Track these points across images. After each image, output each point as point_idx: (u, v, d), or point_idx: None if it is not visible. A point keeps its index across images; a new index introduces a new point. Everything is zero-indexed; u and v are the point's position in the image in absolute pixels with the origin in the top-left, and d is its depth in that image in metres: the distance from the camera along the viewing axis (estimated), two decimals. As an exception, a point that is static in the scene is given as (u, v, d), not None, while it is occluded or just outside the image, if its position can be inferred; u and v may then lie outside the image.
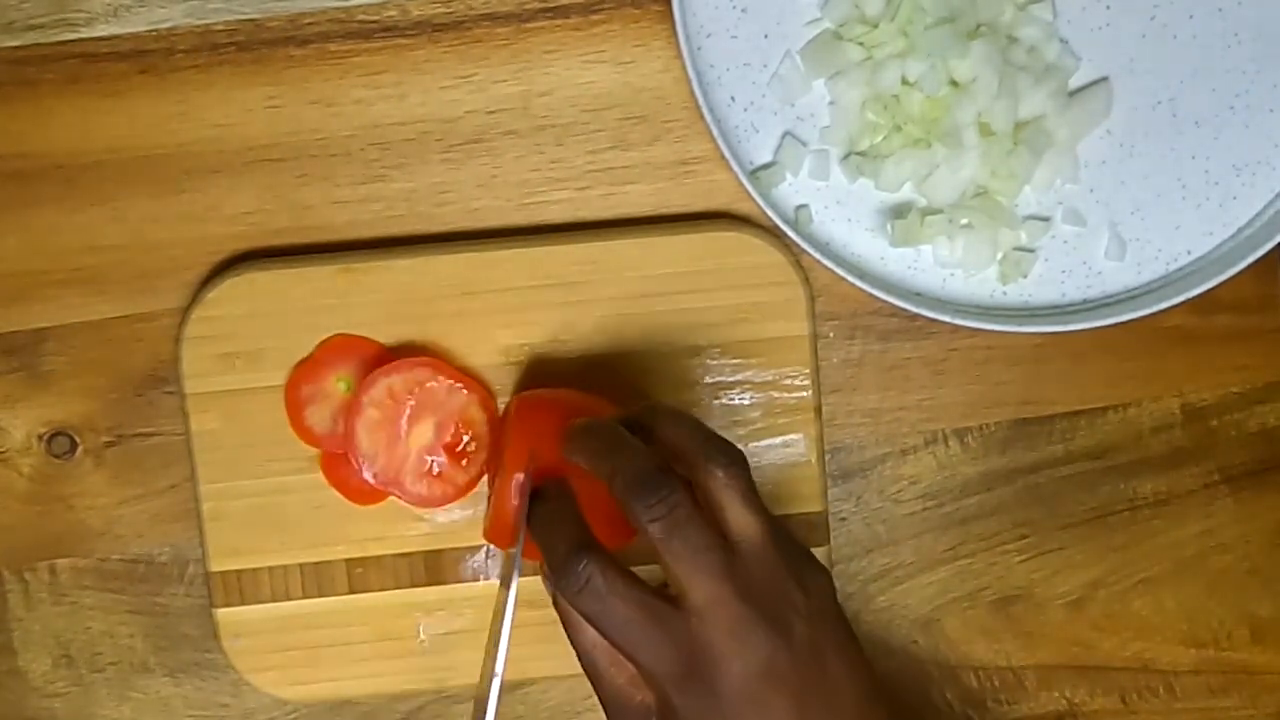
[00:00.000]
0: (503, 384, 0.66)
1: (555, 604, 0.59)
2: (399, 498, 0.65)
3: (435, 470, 0.64)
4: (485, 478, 0.65)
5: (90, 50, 0.65)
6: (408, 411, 0.64)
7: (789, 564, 0.55)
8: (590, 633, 0.57)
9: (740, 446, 0.55)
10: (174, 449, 0.67)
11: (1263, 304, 0.69)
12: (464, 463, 0.64)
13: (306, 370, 0.65)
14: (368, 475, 0.64)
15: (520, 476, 0.58)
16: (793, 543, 0.56)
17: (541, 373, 0.66)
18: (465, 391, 0.64)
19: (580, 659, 0.58)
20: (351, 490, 0.65)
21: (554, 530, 0.56)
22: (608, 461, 0.55)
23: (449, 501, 0.65)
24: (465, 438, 0.64)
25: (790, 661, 0.53)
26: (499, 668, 0.57)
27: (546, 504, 0.57)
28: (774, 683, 0.53)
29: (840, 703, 0.54)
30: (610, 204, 0.67)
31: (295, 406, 0.65)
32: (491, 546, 0.66)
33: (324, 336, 0.65)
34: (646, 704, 0.56)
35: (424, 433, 0.64)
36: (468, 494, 0.65)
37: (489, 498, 0.64)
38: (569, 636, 0.58)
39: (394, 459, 0.64)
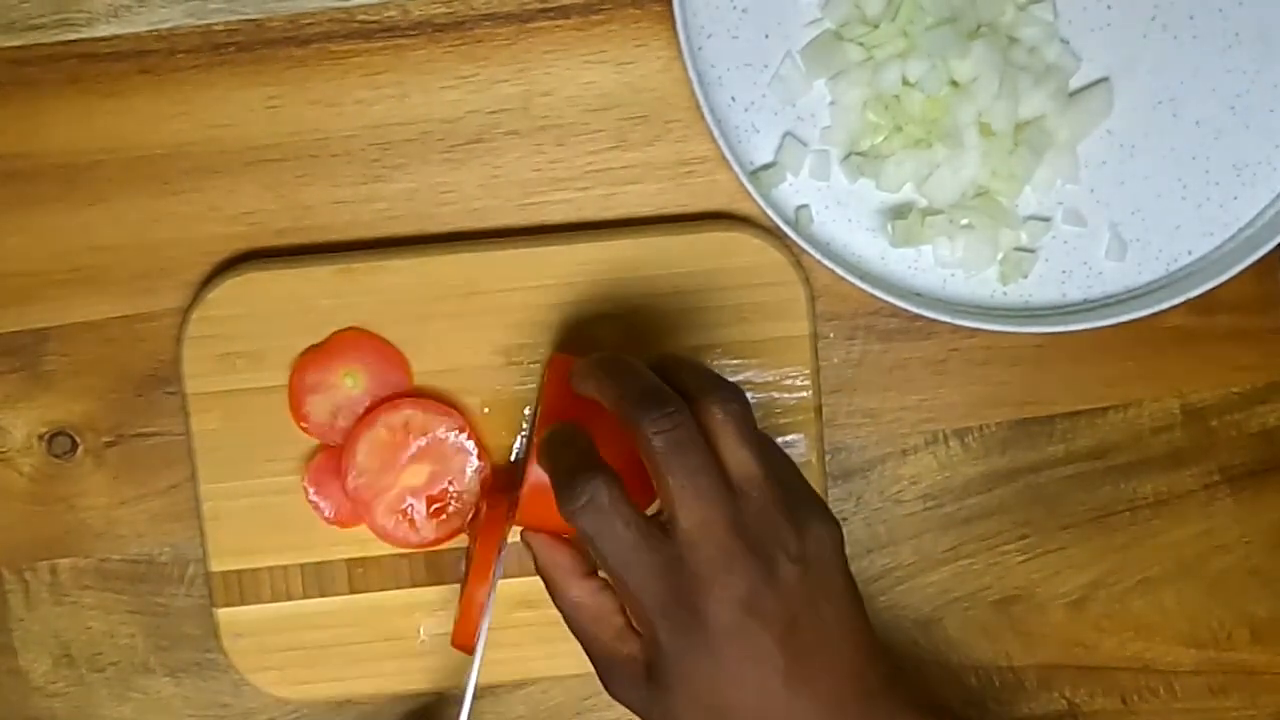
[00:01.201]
0: (503, 384, 0.66)
1: (537, 566, 0.59)
2: (365, 520, 0.65)
3: (409, 512, 0.65)
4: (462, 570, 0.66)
5: (90, 50, 0.65)
6: (414, 448, 0.64)
7: (789, 507, 0.54)
8: (575, 589, 0.57)
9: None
10: (174, 449, 0.67)
11: (1263, 304, 0.69)
12: (438, 518, 0.65)
13: (316, 358, 0.65)
14: (349, 485, 0.64)
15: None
16: (800, 489, 0.56)
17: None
18: (474, 457, 0.65)
19: (566, 617, 0.58)
20: (326, 498, 0.66)
21: (561, 450, 0.56)
22: (616, 384, 0.55)
23: (406, 547, 0.65)
24: (451, 497, 0.65)
25: (775, 599, 0.53)
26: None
27: (557, 429, 0.57)
28: (757, 617, 0.53)
29: (830, 650, 0.54)
30: (610, 204, 0.67)
31: (298, 391, 0.65)
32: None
33: (329, 332, 0.65)
34: (633, 655, 0.55)
35: (418, 474, 0.64)
36: (424, 548, 0.65)
37: (459, 600, 0.64)
38: (553, 597, 0.58)
39: (378, 484, 0.64)
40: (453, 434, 0.64)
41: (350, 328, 0.65)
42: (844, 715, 0.54)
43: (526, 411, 0.66)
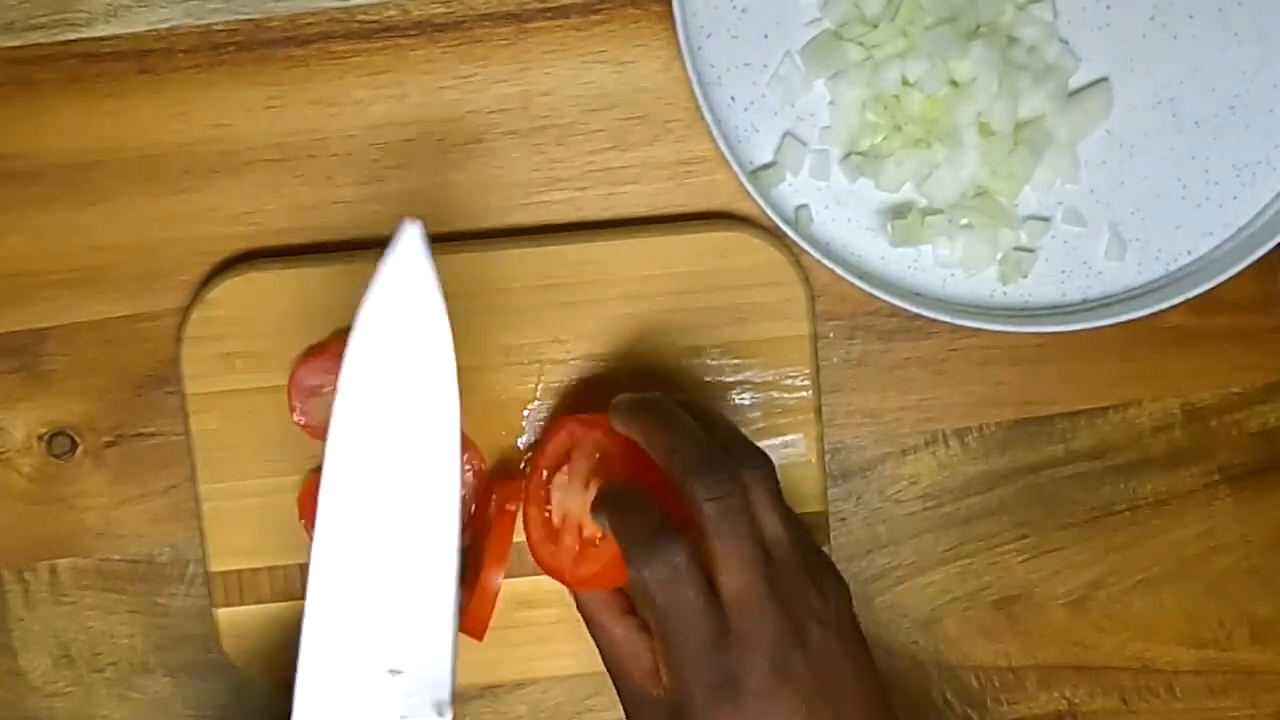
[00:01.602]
0: (502, 385, 0.66)
1: (578, 602, 0.60)
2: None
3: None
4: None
5: (90, 50, 0.65)
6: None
7: (811, 571, 0.56)
8: (616, 629, 0.58)
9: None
10: (174, 449, 0.67)
11: (1263, 304, 0.69)
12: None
13: (320, 360, 0.65)
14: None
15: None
16: (817, 552, 0.58)
17: (561, 387, 0.66)
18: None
19: (601, 650, 0.59)
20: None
21: (633, 510, 0.57)
22: (668, 436, 0.57)
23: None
24: None
25: (804, 663, 0.55)
26: None
27: (614, 488, 0.59)
28: (788, 679, 0.54)
29: (848, 710, 0.55)
30: (610, 204, 0.67)
31: (297, 391, 0.64)
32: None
33: (329, 332, 0.65)
34: (660, 697, 0.57)
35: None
36: None
37: (466, 589, 0.64)
38: (591, 628, 0.59)
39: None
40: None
41: (346, 328, 0.64)
42: None
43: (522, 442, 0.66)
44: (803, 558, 0.56)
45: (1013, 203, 0.66)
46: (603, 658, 0.59)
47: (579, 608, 0.60)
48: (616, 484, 0.59)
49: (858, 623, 0.58)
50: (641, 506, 0.57)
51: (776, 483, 0.57)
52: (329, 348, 0.65)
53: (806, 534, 0.58)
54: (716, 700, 0.54)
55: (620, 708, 0.59)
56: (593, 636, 0.60)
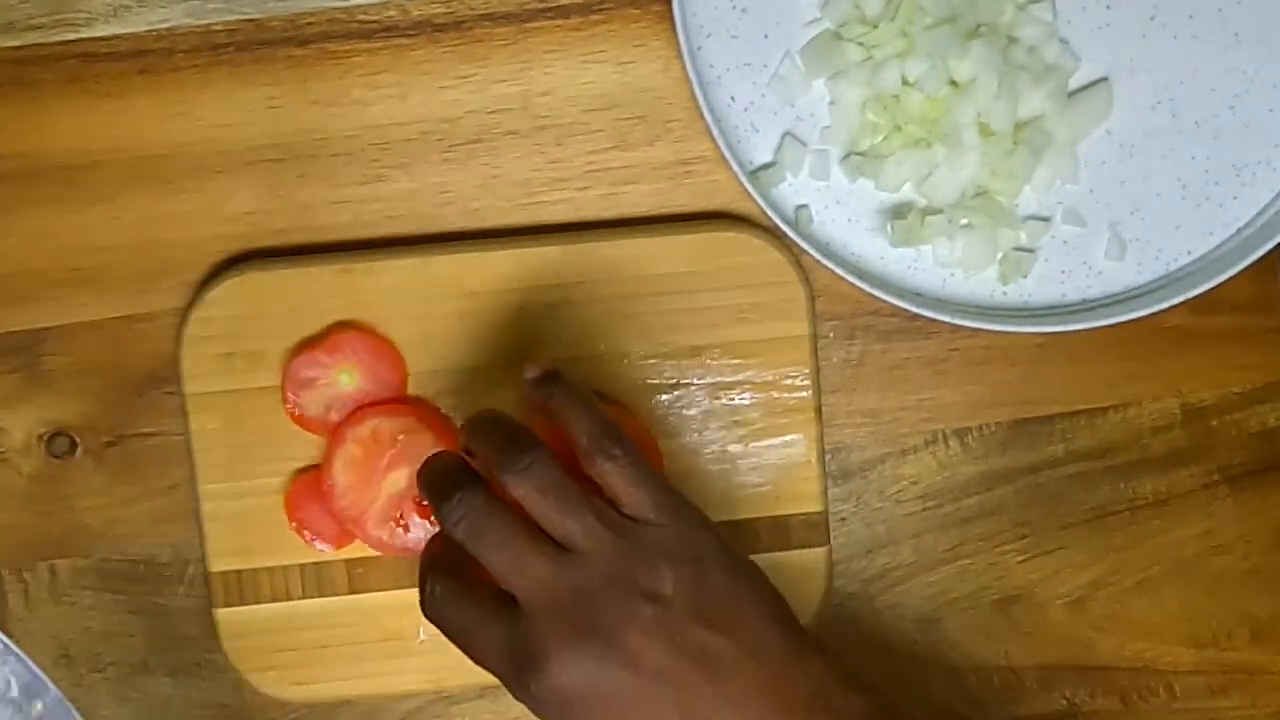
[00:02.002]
0: (502, 384, 0.66)
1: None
2: (359, 537, 0.65)
3: (400, 519, 0.64)
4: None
5: (90, 50, 0.65)
6: (387, 456, 0.64)
7: (634, 526, 0.54)
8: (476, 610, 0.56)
9: (740, 446, 0.55)
10: (174, 449, 0.67)
11: (1263, 304, 0.69)
12: (429, 516, 0.64)
13: (313, 353, 0.65)
14: (336, 507, 0.64)
15: None
16: (651, 490, 0.55)
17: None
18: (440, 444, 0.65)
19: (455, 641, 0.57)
20: (314, 529, 0.65)
21: (497, 424, 0.56)
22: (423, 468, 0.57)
23: (406, 554, 0.65)
24: None
25: (630, 682, 0.53)
26: None
27: (475, 419, 0.58)
28: (598, 693, 0.53)
29: (735, 680, 0.53)
30: (610, 204, 0.67)
31: (291, 384, 0.65)
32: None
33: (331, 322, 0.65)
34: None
35: (398, 479, 0.64)
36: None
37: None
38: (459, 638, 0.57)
39: (363, 498, 0.64)
40: (419, 433, 0.64)
41: (344, 322, 0.65)
42: None
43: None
44: (620, 531, 0.54)
45: (1013, 203, 0.66)
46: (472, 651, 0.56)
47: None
48: (479, 414, 0.58)
49: (728, 562, 0.55)
50: (500, 421, 0.56)
51: (557, 476, 0.54)
52: (324, 340, 0.65)
53: (644, 481, 0.55)
54: (530, 703, 0.53)
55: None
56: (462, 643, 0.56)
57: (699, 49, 0.65)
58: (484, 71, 0.66)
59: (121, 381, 0.67)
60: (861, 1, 0.64)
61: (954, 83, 0.64)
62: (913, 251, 0.66)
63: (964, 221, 0.66)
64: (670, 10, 0.63)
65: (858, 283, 0.64)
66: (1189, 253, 0.67)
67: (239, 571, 0.66)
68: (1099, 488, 0.70)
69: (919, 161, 0.65)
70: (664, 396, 0.66)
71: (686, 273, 0.65)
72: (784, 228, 0.64)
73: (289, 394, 0.65)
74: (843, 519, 0.69)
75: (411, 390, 0.65)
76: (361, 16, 0.65)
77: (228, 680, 0.68)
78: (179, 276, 0.66)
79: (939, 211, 0.66)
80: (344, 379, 0.65)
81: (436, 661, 0.67)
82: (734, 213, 0.67)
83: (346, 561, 0.66)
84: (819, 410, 0.67)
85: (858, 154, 0.66)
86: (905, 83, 0.64)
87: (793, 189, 0.66)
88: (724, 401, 0.66)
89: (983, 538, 0.70)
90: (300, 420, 0.65)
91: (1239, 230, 0.67)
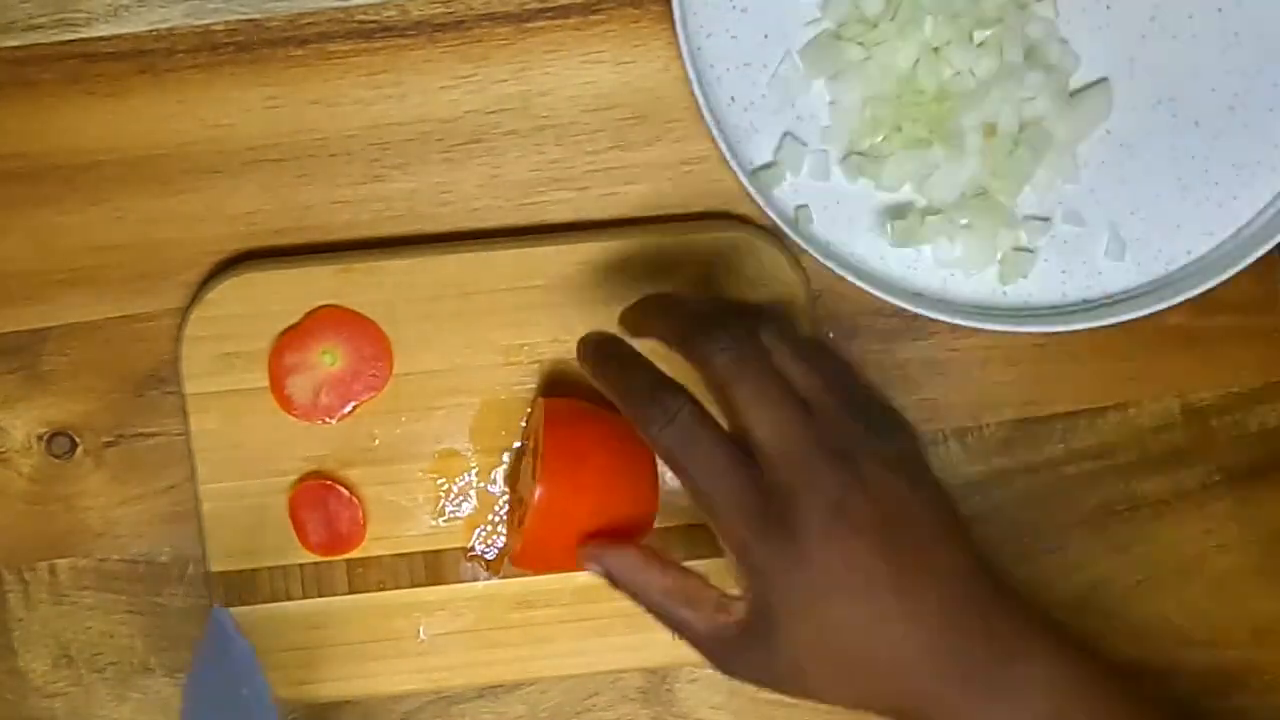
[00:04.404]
0: (502, 383, 0.66)
1: (611, 575, 0.57)
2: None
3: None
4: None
5: (90, 50, 0.65)
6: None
7: (865, 414, 0.54)
8: (658, 579, 0.56)
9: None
10: (174, 449, 0.67)
11: (1263, 304, 0.69)
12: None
13: (292, 339, 0.65)
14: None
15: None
16: (874, 402, 0.55)
17: (553, 378, 0.66)
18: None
19: (658, 612, 0.56)
20: (319, 538, 0.66)
21: (632, 372, 0.55)
22: (669, 319, 0.55)
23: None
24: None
25: (865, 500, 0.52)
26: None
27: (608, 342, 0.57)
28: (848, 522, 0.52)
29: (932, 555, 0.53)
30: (610, 204, 0.67)
31: (278, 374, 0.65)
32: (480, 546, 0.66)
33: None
34: (739, 618, 0.54)
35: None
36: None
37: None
38: (638, 596, 0.56)
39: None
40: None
41: (324, 305, 0.65)
42: (960, 631, 0.52)
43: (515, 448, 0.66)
44: (849, 402, 0.53)
45: (1013, 203, 0.66)
46: (662, 619, 0.55)
47: (616, 582, 0.56)
48: (606, 343, 0.57)
49: (931, 470, 0.55)
50: (634, 362, 0.55)
51: (794, 333, 0.54)
52: (304, 325, 0.65)
53: (858, 384, 0.55)
54: (782, 563, 0.51)
55: (617, 708, 0.58)
56: (644, 603, 0.56)
57: (699, 49, 0.65)
58: (484, 71, 0.66)
59: (121, 381, 0.67)
60: (861, 1, 0.64)
61: (956, 83, 0.64)
62: (913, 251, 0.66)
63: (964, 221, 0.66)
64: (670, 10, 0.63)
65: (858, 283, 0.64)
66: (1189, 253, 0.67)
67: (239, 571, 0.66)
68: (1099, 488, 0.70)
69: (919, 161, 0.65)
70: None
71: (686, 273, 0.65)
72: (784, 228, 0.64)
73: (277, 385, 0.64)
74: (843, 519, 0.69)
75: (411, 389, 0.65)
76: (361, 16, 0.65)
77: (228, 680, 0.68)
78: (179, 276, 0.66)
79: (939, 211, 0.66)
80: (327, 359, 0.65)
81: (436, 661, 0.67)
82: (734, 213, 0.67)
83: (346, 561, 0.66)
84: (819, 410, 0.66)
85: (858, 154, 0.66)
86: (906, 82, 0.64)
87: (793, 189, 0.66)
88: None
89: (983, 538, 0.69)
90: (292, 408, 0.65)
91: (1239, 230, 0.67)
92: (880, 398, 0.56)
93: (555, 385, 0.66)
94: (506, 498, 0.66)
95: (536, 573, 0.65)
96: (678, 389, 0.53)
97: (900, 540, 0.52)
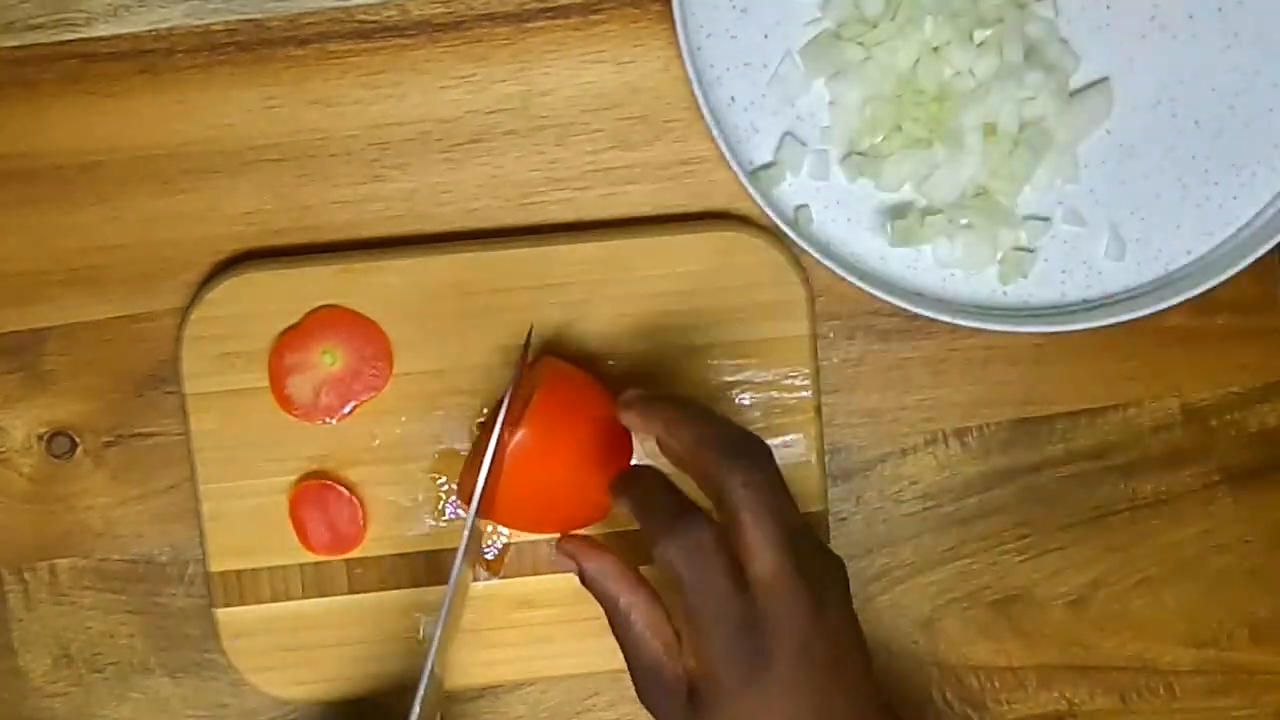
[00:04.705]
0: (501, 384, 0.66)
1: (587, 579, 0.59)
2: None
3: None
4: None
5: (90, 50, 0.65)
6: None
7: (823, 550, 0.57)
8: (627, 596, 0.58)
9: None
10: (174, 449, 0.67)
11: (1263, 304, 0.69)
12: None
13: (292, 339, 0.65)
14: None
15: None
16: (811, 530, 0.57)
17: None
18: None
19: (615, 622, 0.58)
20: (319, 538, 0.66)
21: (656, 492, 0.57)
22: (695, 424, 0.57)
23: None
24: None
25: (823, 643, 0.55)
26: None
27: (643, 470, 0.58)
28: (811, 663, 0.54)
29: (856, 680, 0.56)
30: (610, 204, 0.67)
31: (278, 374, 0.65)
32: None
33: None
34: (679, 675, 0.56)
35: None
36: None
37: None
38: (603, 600, 0.58)
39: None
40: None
41: (324, 305, 0.65)
42: None
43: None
44: (815, 538, 0.57)
45: (1013, 203, 0.66)
46: (616, 630, 0.58)
47: (587, 583, 0.59)
48: (635, 467, 0.59)
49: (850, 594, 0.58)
50: (662, 486, 0.57)
51: (776, 468, 0.56)
52: (304, 325, 0.65)
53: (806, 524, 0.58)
54: (743, 683, 0.54)
55: (616, 708, 0.59)
56: (605, 607, 0.58)
57: (699, 49, 0.65)
58: (484, 71, 0.66)
59: (121, 381, 0.67)
60: (861, 1, 0.64)
61: (956, 83, 0.64)
62: (913, 251, 0.66)
63: (964, 221, 0.66)
64: (670, 10, 0.63)
65: (858, 283, 0.64)
66: (1189, 253, 0.67)
67: (239, 571, 0.66)
68: (1099, 488, 0.70)
69: (919, 161, 0.65)
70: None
71: (686, 273, 0.65)
72: (784, 228, 0.64)
73: (278, 385, 0.64)
74: (843, 519, 0.69)
75: (409, 388, 0.65)
76: (361, 16, 0.65)
77: (227, 680, 0.68)
78: (179, 276, 0.66)
79: (939, 211, 0.66)
80: (327, 359, 0.65)
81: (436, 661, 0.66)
82: (734, 213, 0.67)
83: (346, 561, 0.66)
84: (819, 410, 0.67)
85: (858, 154, 0.66)
86: (906, 82, 0.64)
87: (793, 189, 0.66)
88: (724, 401, 0.66)
89: (982, 538, 0.70)
90: (292, 408, 0.65)
91: (1239, 230, 0.67)
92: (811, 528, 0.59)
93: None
94: (476, 437, 0.66)
95: (499, 523, 0.65)
96: (698, 515, 0.55)
97: (839, 674, 0.55)
